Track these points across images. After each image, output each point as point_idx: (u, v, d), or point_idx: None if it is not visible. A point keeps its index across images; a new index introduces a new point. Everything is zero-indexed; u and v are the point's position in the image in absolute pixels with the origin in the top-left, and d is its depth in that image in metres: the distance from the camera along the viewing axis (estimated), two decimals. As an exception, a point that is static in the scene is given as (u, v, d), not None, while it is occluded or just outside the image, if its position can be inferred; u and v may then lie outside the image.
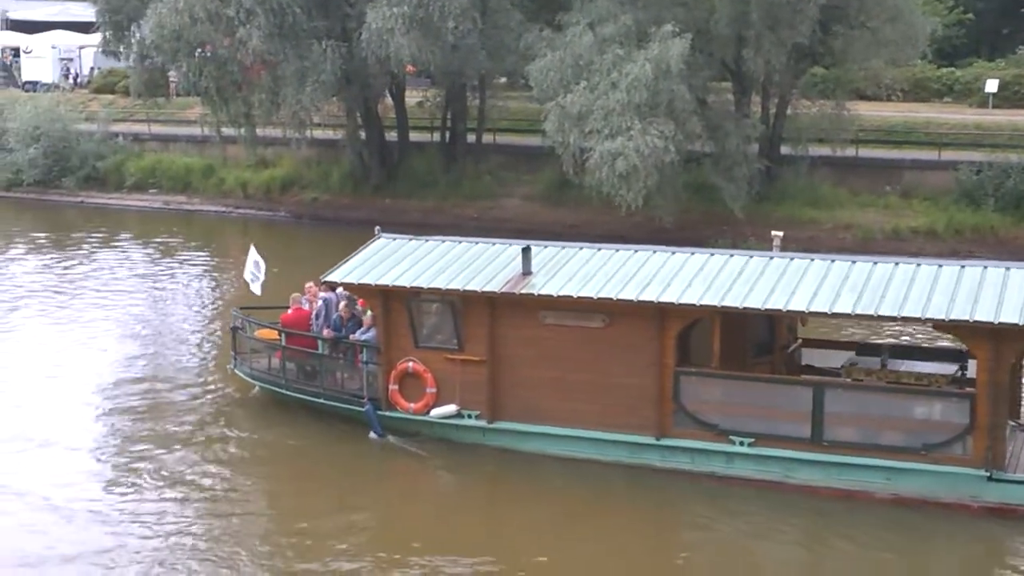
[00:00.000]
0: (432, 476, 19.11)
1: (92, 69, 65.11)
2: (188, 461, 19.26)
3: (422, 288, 19.11)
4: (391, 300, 19.44)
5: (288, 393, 21.09)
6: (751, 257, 18.80)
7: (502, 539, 16.74)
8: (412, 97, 45.74)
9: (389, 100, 44.50)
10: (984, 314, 16.46)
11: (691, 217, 35.91)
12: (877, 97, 40.97)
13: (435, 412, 19.35)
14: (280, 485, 18.86)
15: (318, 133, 43.01)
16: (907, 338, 23.71)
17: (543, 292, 18.39)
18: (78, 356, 25.58)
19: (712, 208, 36.27)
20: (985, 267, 17.73)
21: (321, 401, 20.62)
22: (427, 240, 20.69)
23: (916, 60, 41.61)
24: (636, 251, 19.40)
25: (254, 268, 22.99)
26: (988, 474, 16.76)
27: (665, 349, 17.93)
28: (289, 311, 21.55)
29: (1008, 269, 17.52)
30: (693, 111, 33.91)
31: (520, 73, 38.39)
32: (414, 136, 45.00)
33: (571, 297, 18.17)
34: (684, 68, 32.54)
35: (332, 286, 20.34)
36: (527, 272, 18.83)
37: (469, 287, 18.81)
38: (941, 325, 17.04)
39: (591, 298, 18.06)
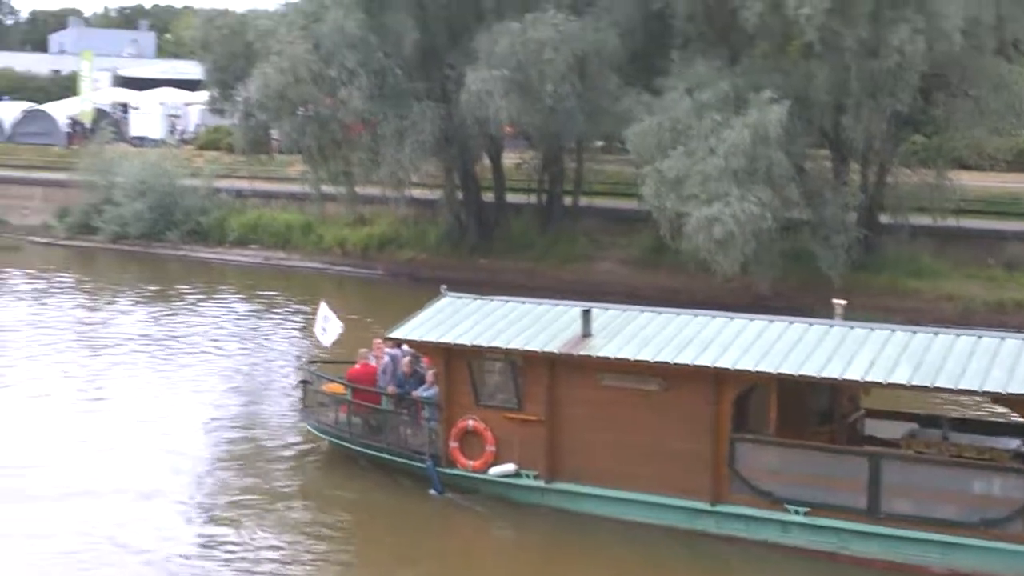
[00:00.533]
0: (489, 534, 19.25)
1: (198, 126, 66.66)
2: (253, 511, 19.64)
3: (483, 347, 19.35)
4: (453, 358, 19.72)
5: (353, 447, 21.43)
6: (811, 325, 18.77)
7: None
8: (510, 158, 46.08)
9: (487, 161, 44.87)
10: None
11: (788, 284, 35.56)
12: (979, 167, 40.31)
13: (494, 471, 19.48)
14: (341, 536, 18.99)
15: (416, 192, 43.44)
16: (973, 411, 23.19)
17: (601, 354, 18.53)
18: (171, 406, 26.12)
19: (809, 276, 35.86)
20: None
21: (384, 456, 20.90)
22: (491, 300, 20.98)
23: (1020, 130, 40.91)
24: (696, 316, 19.54)
25: (323, 322, 23.44)
26: None
27: (721, 415, 17.95)
28: (356, 366, 21.94)
29: None
30: (791, 178, 33.69)
31: (617, 137, 38.50)
32: (511, 197, 45.29)
33: (628, 360, 18.29)
34: (782, 134, 32.38)
35: (397, 343, 20.62)
36: (587, 334, 19.00)
37: (529, 347, 19.05)
38: (999, 398, 16.86)
39: (648, 362, 18.18)
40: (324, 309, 23.78)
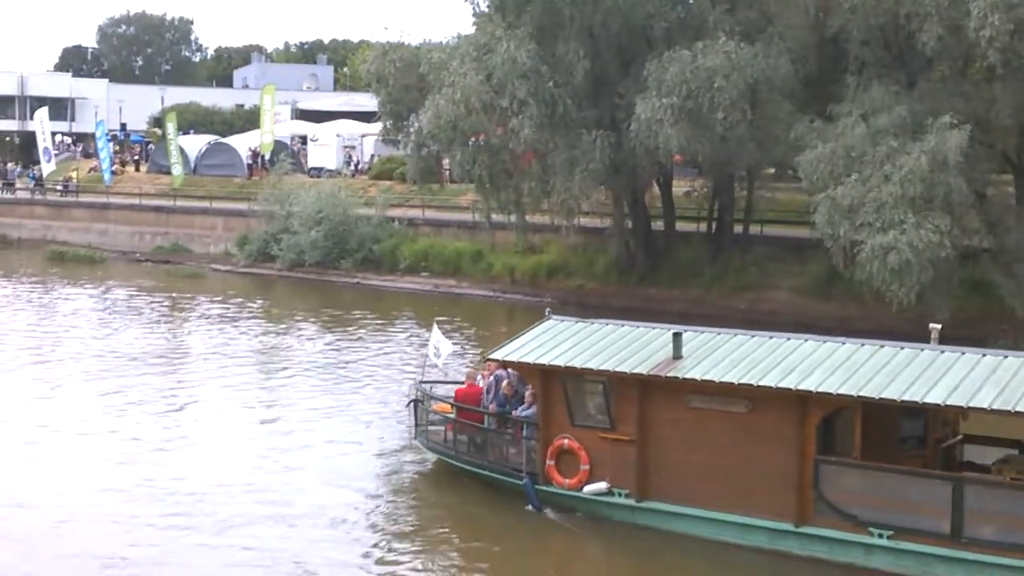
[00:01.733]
0: (582, 551, 19.67)
1: (372, 156, 68.15)
2: (364, 523, 20.42)
3: (576, 368, 19.86)
4: (548, 379, 20.26)
5: (458, 464, 22.13)
6: (902, 349, 18.76)
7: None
8: (679, 187, 45.88)
9: (656, 189, 44.76)
10: None
11: (967, 315, 34.41)
12: None
13: (588, 489, 19.88)
14: (440, 550, 19.54)
15: (585, 221, 43.56)
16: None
17: (687, 376, 18.87)
18: (332, 429, 26.73)
19: (990, 306, 34.71)
20: None
21: (486, 473, 21.47)
22: (593, 323, 21.45)
23: None
24: (788, 339, 19.75)
25: (436, 344, 24.20)
26: None
27: (806, 437, 18.07)
28: (464, 386, 22.73)
29: None
30: (971, 204, 32.73)
31: (789, 164, 37.97)
32: (680, 226, 45.07)
33: (713, 382, 18.56)
34: (962, 160, 31.46)
35: (504, 364, 21.23)
36: (677, 356, 19.36)
37: (620, 368, 19.45)
38: None
39: (732, 384, 18.40)
40: (437, 333, 24.54)
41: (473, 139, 40.81)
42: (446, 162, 47.84)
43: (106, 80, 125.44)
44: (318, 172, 67.53)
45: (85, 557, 18.83)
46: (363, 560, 18.82)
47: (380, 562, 18.74)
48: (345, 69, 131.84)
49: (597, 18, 39.10)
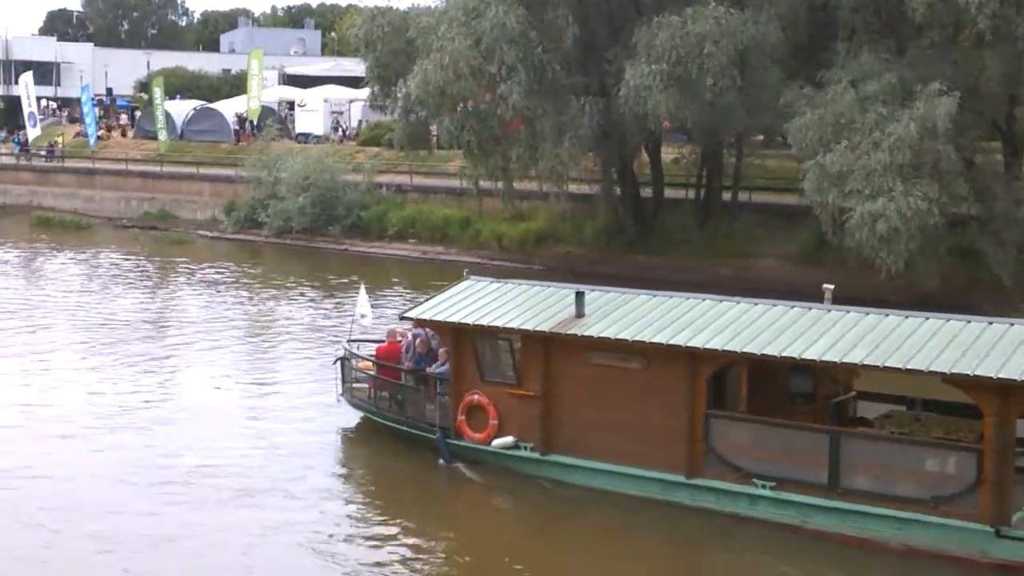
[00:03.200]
0: (489, 501, 20.48)
1: (360, 122, 67.85)
2: (281, 480, 20.77)
3: (485, 326, 20.51)
4: (460, 336, 20.91)
5: (379, 420, 22.96)
6: (791, 308, 19.39)
7: (541, 562, 17.82)
8: (668, 154, 45.77)
9: (645, 156, 44.65)
10: (986, 369, 16.57)
11: (955, 282, 34.48)
12: None
13: (496, 443, 20.55)
14: (361, 501, 20.57)
15: (574, 188, 43.45)
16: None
17: (586, 333, 19.47)
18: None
19: (978, 274, 34.79)
20: (1012, 324, 17.89)
21: (405, 428, 22.22)
22: (508, 283, 22.19)
23: None
24: (687, 298, 20.38)
25: (362, 306, 25.05)
26: (995, 530, 16.69)
27: (696, 392, 18.73)
28: (385, 344, 23.44)
29: (1012, 325, 17.73)
30: (959, 172, 32.74)
31: (778, 131, 37.93)
32: (669, 193, 45.01)
33: (610, 339, 19.17)
34: (951, 128, 31.46)
35: (418, 322, 21.89)
36: (580, 315, 19.97)
37: (525, 326, 20.11)
38: (947, 378, 17.09)
39: (627, 340, 19.04)
40: (363, 293, 25.61)
41: (461, 105, 40.53)
42: (434, 128, 47.62)
43: (92, 44, 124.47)
44: (305, 138, 67.22)
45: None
46: (270, 518, 19.01)
47: (289, 522, 18.84)
48: (333, 34, 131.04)
49: (586, -17, 38.89)
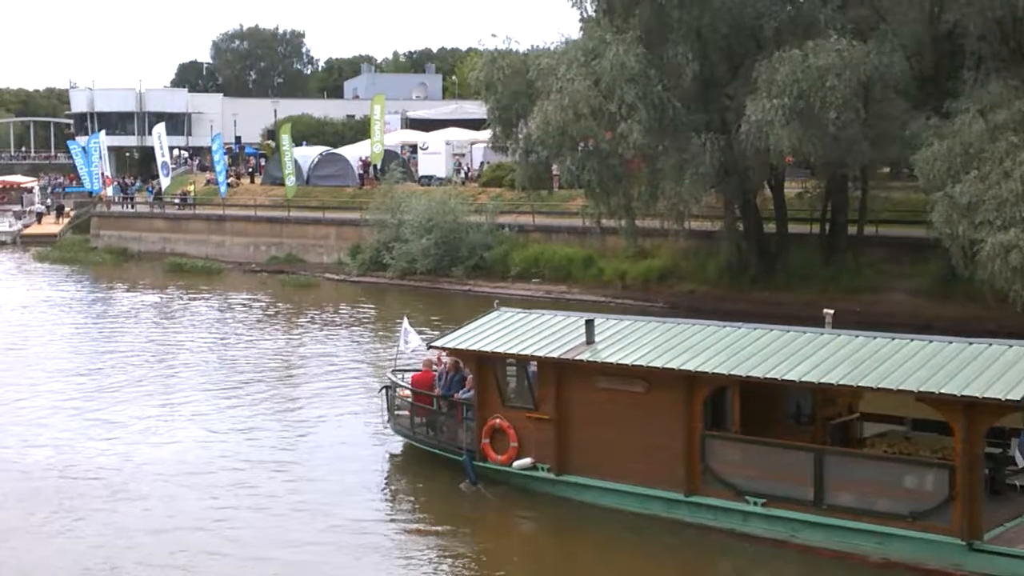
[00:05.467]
0: (510, 520, 21.43)
1: (482, 163, 68.42)
2: (322, 503, 22.09)
3: (503, 353, 21.67)
4: (483, 364, 22.09)
5: (417, 445, 24.29)
6: (786, 332, 20.16)
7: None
8: (791, 188, 45.27)
9: (767, 191, 44.23)
10: (952, 387, 17.19)
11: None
12: None
13: (516, 464, 21.67)
14: (392, 514, 21.98)
15: (696, 224, 43.24)
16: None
17: (591, 359, 20.52)
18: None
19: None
20: (989, 344, 18.38)
21: (438, 451, 23.43)
22: (533, 313, 23.25)
23: None
24: (692, 324, 21.31)
25: (405, 336, 26.30)
26: (967, 543, 17.16)
27: (694, 413, 19.61)
28: (421, 372, 24.78)
29: (990, 345, 18.28)
30: (1095, 201, 31.73)
31: (904, 163, 37.24)
32: (793, 228, 44.45)
33: (613, 364, 20.21)
34: (1086, 155, 30.58)
35: (445, 351, 23.12)
36: (590, 341, 20.97)
37: (538, 353, 21.21)
38: (918, 396, 17.73)
39: (627, 365, 20.03)
40: (406, 324, 26.78)
41: (582, 144, 40.69)
42: (555, 168, 47.80)
43: (221, 94, 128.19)
44: (428, 180, 68.05)
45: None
46: (306, 535, 20.25)
47: (319, 543, 19.94)
48: (453, 77, 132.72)
49: (705, 20, 38.78)
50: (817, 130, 35.43)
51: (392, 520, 21.48)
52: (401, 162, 69.82)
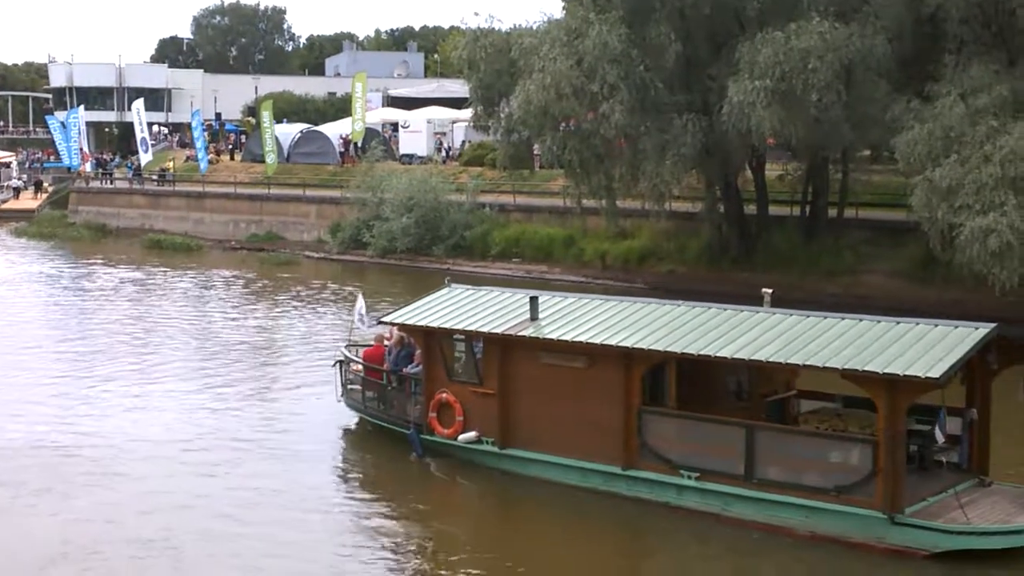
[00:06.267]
0: (455, 492, 22.00)
1: (463, 142, 68.31)
2: (278, 478, 22.42)
3: (449, 329, 22.12)
4: (429, 339, 22.54)
5: (368, 419, 24.85)
6: (724, 310, 20.57)
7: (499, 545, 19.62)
8: (772, 170, 45.33)
9: (748, 173, 44.28)
10: (875, 365, 17.67)
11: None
12: None
13: (462, 438, 22.13)
14: (341, 487, 22.42)
15: (677, 206, 43.27)
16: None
17: (533, 335, 21.03)
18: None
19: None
20: (916, 323, 18.89)
21: (387, 425, 23.93)
22: (481, 289, 23.79)
23: None
24: (633, 302, 21.79)
25: (360, 312, 26.73)
26: (889, 517, 17.70)
27: (632, 389, 20.05)
28: (372, 347, 25.17)
29: (917, 324, 18.79)
30: (1076, 185, 31.87)
31: (885, 146, 37.33)
32: (774, 210, 44.54)
33: (555, 340, 20.68)
34: (1066, 140, 30.68)
35: (394, 326, 23.50)
36: (534, 318, 21.42)
37: (483, 328, 21.62)
38: (843, 374, 18.22)
39: (568, 341, 20.47)
40: (361, 299, 27.47)
41: (564, 124, 40.66)
42: (537, 147, 47.75)
43: (201, 70, 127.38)
44: (409, 159, 67.91)
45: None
46: (250, 514, 20.41)
47: (264, 520, 20.18)
48: (436, 56, 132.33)
49: (689, 0, 38.71)
50: (799, 112, 35.47)
51: (339, 492, 21.97)
52: (382, 140, 69.65)
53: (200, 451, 24.06)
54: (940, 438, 18.54)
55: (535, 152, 49.83)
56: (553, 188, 51.08)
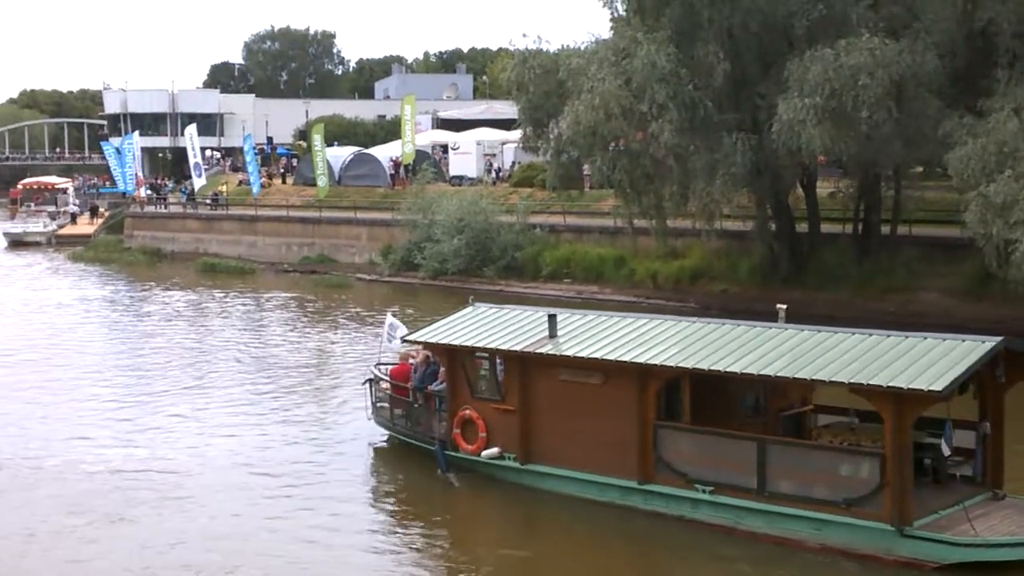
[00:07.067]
0: (479, 507, 22.38)
1: (513, 163, 68.47)
2: (307, 493, 22.97)
3: (471, 347, 22.42)
4: (453, 357, 22.83)
5: (395, 435, 25.25)
6: (738, 326, 20.85)
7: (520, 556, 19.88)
8: (823, 188, 45.09)
9: (799, 191, 44.08)
10: (880, 379, 17.83)
11: None
12: None
13: (485, 454, 22.44)
14: (372, 503, 22.89)
15: (727, 224, 43.10)
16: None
17: (552, 352, 21.33)
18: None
19: None
20: (924, 338, 19.00)
21: (412, 441, 24.37)
22: (504, 308, 23.99)
23: None
24: (650, 319, 22.04)
25: (390, 331, 27.25)
26: (897, 529, 17.78)
27: (647, 404, 20.28)
28: (397, 365, 25.63)
29: (924, 339, 18.90)
30: None
31: (938, 162, 37.04)
32: (825, 227, 44.28)
33: (571, 357, 21.01)
34: (1122, 154, 30.34)
35: (419, 344, 23.85)
36: (553, 335, 21.70)
37: (504, 346, 21.97)
38: (850, 388, 18.48)
39: (585, 358, 20.80)
40: (390, 317, 28.19)
41: (613, 144, 40.68)
42: (586, 168, 47.78)
43: (252, 95, 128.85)
44: (459, 180, 68.16)
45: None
46: (279, 524, 21.00)
47: (298, 526, 20.79)
48: (484, 77, 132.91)
49: (736, 19, 38.69)
50: (849, 129, 35.32)
51: (369, 506, 22.48)
52: (432, 162, 69.99)
53: (260, 475, 24.24)
54: (946, 451, 18.72)
55: (585, 172, 49.84)
56: (603, 208, 51.08)
